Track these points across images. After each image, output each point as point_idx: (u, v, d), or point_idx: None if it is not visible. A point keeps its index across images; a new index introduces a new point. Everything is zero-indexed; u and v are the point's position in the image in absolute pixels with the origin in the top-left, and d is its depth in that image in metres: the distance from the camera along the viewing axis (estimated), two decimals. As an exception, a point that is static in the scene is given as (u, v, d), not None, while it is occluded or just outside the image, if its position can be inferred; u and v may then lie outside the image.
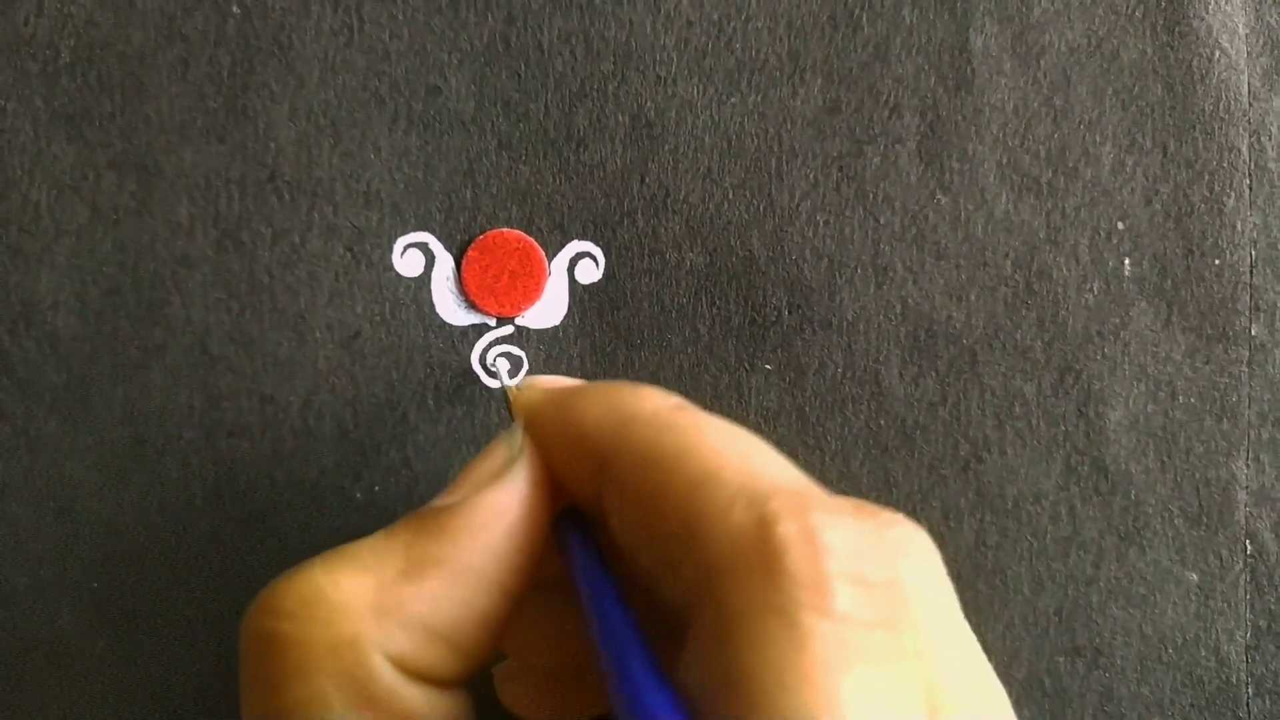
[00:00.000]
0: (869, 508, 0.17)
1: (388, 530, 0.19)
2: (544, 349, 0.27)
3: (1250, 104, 0.27)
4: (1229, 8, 0.27)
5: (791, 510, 0.15)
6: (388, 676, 0.17)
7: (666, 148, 0.26)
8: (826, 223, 0.27)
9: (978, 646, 0.18)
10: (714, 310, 0.27)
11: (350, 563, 0.18)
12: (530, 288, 0.26)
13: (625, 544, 0.18)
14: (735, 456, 0.17)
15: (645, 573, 0.18)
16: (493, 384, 0.26)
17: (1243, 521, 0.27)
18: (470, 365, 0.26)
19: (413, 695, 0.17)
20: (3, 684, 0.26)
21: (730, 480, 0.16)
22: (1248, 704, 0.27)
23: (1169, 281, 0.27)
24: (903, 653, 0.15)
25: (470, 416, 0.26)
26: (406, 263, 0.26)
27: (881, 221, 0.27)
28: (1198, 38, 0.27)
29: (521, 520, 0.19)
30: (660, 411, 0.18)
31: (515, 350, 0.26)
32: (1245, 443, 0.27)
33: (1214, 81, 0.27)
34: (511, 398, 0.21)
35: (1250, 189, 0.27)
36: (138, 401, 0.26)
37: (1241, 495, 0.27)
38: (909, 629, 0.15)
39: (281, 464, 0.26)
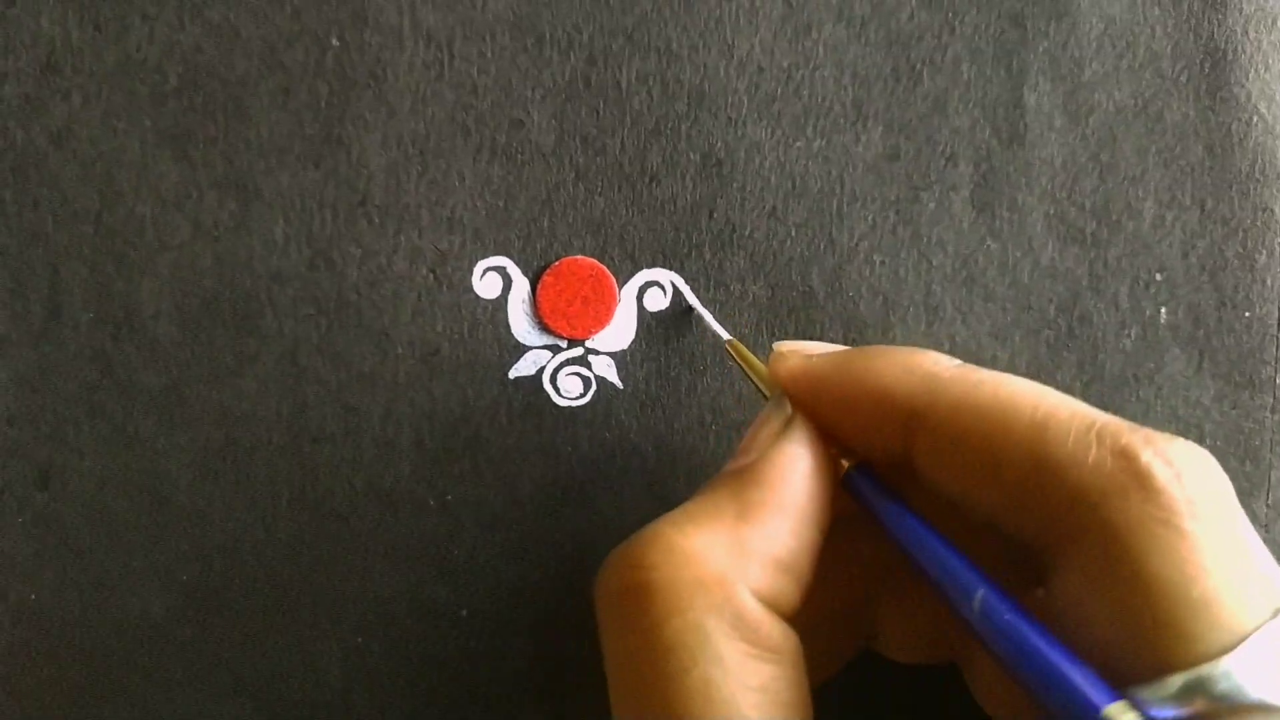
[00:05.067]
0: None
1: (702, 493, 0.21)
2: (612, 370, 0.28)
3: (1285, 167, 0.29)
4: (1268, 75, 0.29)
5: (1142, 442, 0.18)
6: (754, 605, 0.19)
7: (734, 186, 0.28)
8: (883, 263, 0.28)
9: None
10: (774, 341, 0.28)
11: (691, 519, 0.20)
12: (601, 313, 0.28)
13: (950, 491, 0.20)
14: (1054, 402, 0.20)
15: (984, 514, 0.20)
16: (568, 391, 0.28)
17: (1260, 556, 0.29)
18: (541, 384, 0.28)
19: (772, 625, 0.19)
20: (96, 662, 0.28)
21: (1067, 422, 0.19)
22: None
23: (1202, 330, 0.29)
24: (1245, 545, 0.18)
25: (539, 430, 0.28)
26: (485, 285, 0.28)
27: (934, 264, 0.28)
28: (1238, 103, 0.29)
29: (815, 465, 0.21)
30: (962, 369, 0.21)
31: (585, 371, 0.28)
32: (1266, 484, 0.29)
33: (1251, 145, 0.29)
34: (770, 364, 0.24)
35: (1281, 247, 0.29)
36: (230, 406, 0.28)
37: (1260, 533, 0.29)
38: (1238, 525, 0.19)
39: (361, 470, 0.28)
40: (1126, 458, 0.18)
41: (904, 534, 0.20)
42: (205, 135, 0.27)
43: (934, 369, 0.21)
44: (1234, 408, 0.29)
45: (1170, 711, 0.17)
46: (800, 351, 0.23)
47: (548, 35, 0.28)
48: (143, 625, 0.28)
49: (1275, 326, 0.29)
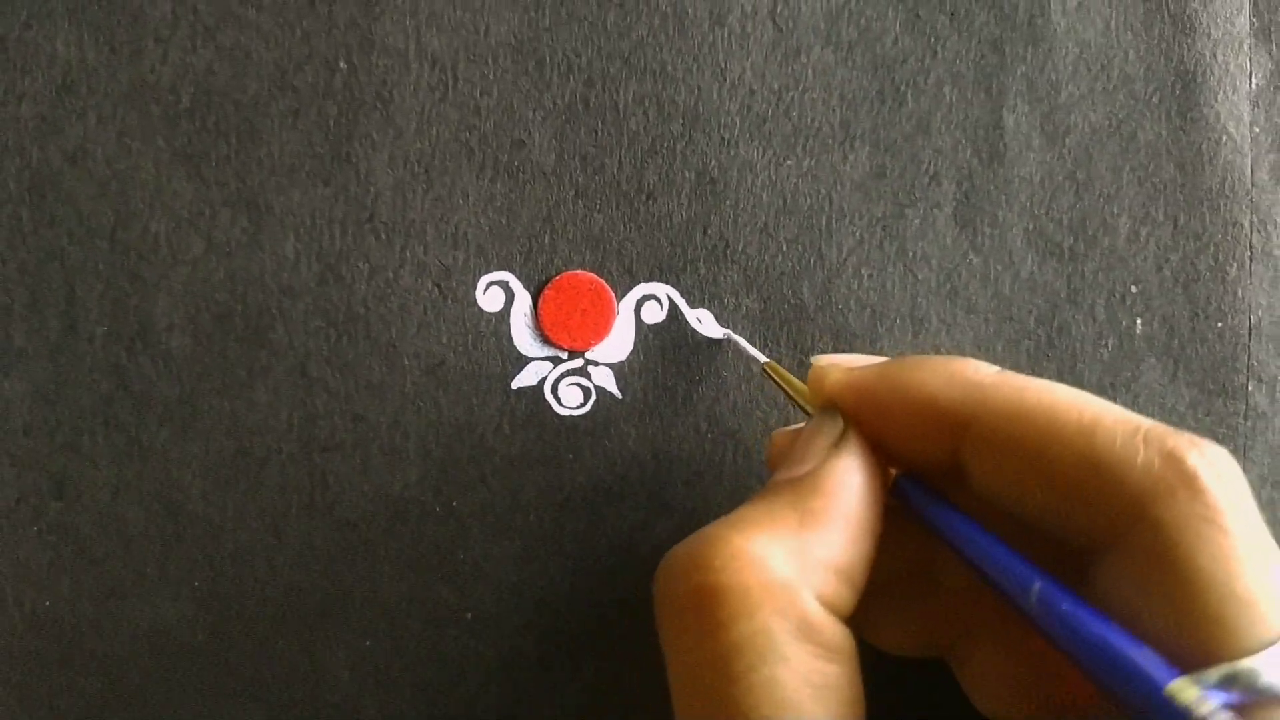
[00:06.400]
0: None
1: (760, 499, 0.21)
2: (610, 380, 0.29)
3: (1252, 186, 0.30)
4: (1235, 97, 0.30)
5: (1187, 444, 0.19)
6: (817, 609, 0.20)
7: (728, 203, 0.29)
8: (870, 277, 0.29)
9: None
10: (766, 352, 0.29)
11: (753, 523, 0.20)
12: (600, 325, 0.29)
13: (1000, 493, 0.21)
14: (1098, 406, 0.20)
15: (1033, 515, 0.21)
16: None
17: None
18: (543, 394, 0.29)
19: (834, 627, 0.20)
20: (109, 669, 0.28)
21: (1113, 426, 0.20)
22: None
23: (1176, 341, 0.30)
24: (1273, 546, 0.19)
25: (541, 439, 0.29)
26: (488, 299, 0.29)
27: (919, 277, 0.30)
28: (1207, 123, 0.30)
29: (870, 476, 0.22)
30: (1002, 375, 0.22)
31: (584, 381, 0.29)
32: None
33: (1220, 163, 0.30)
34: (811, 377, 0.24)
35: (1250, 260, 0.30)
36: (242, 416, 0.28)
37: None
38: (1264, 527, 0.19)
39: (369, 477, 0.29)
40: (1174, 459, 0.19)
41: (957, 536, 0.21)
42: (218, 154, 0.28)
43: (976, 377, 0.22)
44: (1208, 415, 0.30)
45: (1221, 696, 0.18)
46: (840, 365, 0.24)
47: (548, 59, 0.29)
48: (155, 632, 0.28)
49: (1247, 336, 0.30)
